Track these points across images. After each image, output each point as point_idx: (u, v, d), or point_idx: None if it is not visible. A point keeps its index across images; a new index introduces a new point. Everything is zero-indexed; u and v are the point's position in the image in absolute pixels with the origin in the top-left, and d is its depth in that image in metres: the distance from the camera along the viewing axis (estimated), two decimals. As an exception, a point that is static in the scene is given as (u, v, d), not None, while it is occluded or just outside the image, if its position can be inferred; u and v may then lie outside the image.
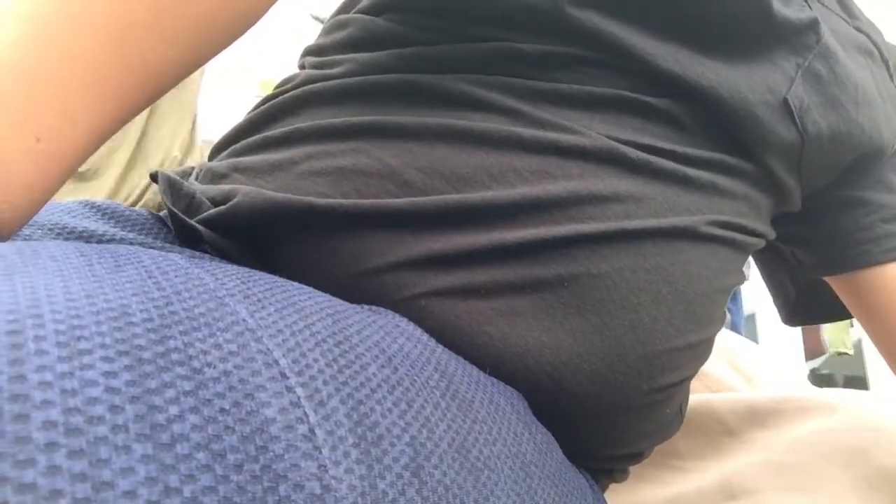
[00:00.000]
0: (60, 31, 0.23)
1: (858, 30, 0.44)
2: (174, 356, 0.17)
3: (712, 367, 0.63)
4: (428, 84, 0.33)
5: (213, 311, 0.19)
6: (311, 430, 0.18)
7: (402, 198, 0.30)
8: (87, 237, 0.29)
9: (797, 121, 0.37)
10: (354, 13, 0.38)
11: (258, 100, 0.39)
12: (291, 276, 0.26)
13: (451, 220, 0.30)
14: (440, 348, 0.28)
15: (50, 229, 0.29)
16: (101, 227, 0.30)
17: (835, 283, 0.52)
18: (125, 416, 0.15)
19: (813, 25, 0.38)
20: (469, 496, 0.22)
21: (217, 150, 0.39)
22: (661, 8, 0.33)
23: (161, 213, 0.35)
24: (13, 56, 0.22)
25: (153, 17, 0.24)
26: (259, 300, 0.21)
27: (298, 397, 0.18)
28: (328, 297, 0.25)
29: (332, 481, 0.18)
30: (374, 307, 0.29)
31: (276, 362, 0.19)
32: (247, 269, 0.24)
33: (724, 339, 0.68)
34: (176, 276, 0.20)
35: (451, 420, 0.23)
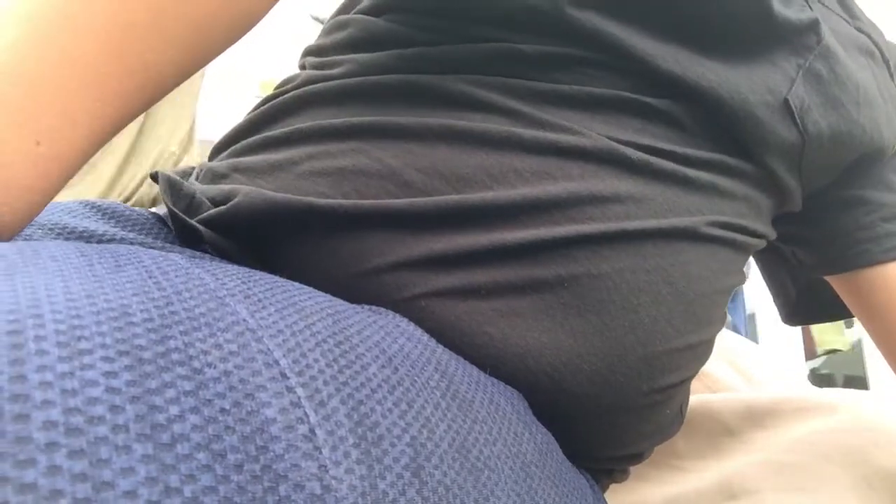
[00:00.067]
0: (60, 32, 0.23)
1: (859, 30, 0.44)
2: (174, 356, 0.17)
3: (712, 367, 0.63)
4: (428, 84, 0.33)
5: (214, 311, 0.19)
6: (312, 431, 0.18)
7: (402, 198, 0.30)
8: (87, 237, 0.29)
9: (798, 121, 0.37)
10: (354, 14, 0.38)
11: (258, 100, 0.39)
12: (291, 277, 0.26)
13: (452, 220, 0.30)
14: (440, 348, 0.28)
15: (50, 229, 0.29)
16: (101, 226, 0.30)
17: (835, 282, 0.52)
18: (125, 416, 0.15)
19: (814, 26, 0.38)
20: (469, 496, 0.22)
21: (217, 151, 0.39)
22: (661, 9, 0.33)
23: (161, 213, 0.35)
24: (13, 57, 0.22)
25: (153, 18, 0.24)
26: (259, 300, 0.21)
27: (299, 397, 0.18)
28: (328, 297, 0.25)
29: (333, 481, 0.18)
30: (374, 307, 0.29)
31: (277, 362, 0.19)
32: (247, 269, 0.24)
33: (724, 339, 0.68)
34: (176, 276, 0.20)
35: (452, 420, 0.23)
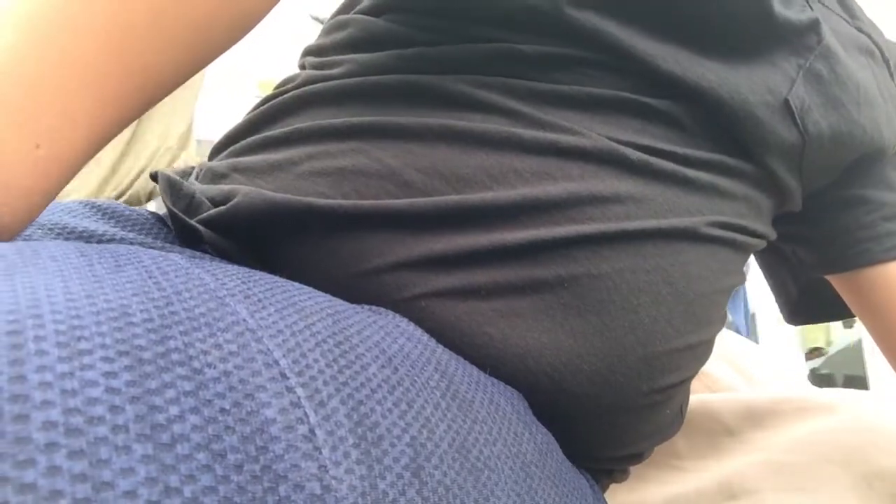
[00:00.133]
0: (60, 33, 0.23)
1: (859, 30, 0.44)
2: (174, 356, 0.17)
3: (712, 367, 0.63)
4: (428, 85, 0.33)
5: (214, 311, 0.19)
6: (312, 431, 0.18)
7: (402, 198, 0.30)
8: (87, 237, 0.29)
9: (798, 121, 0.37)
10: (354, 14, 0.38)
11: (257, 100, 0.39)
12: (291, 277, 0.26)
13: (452, 220, 0.30)
14: (440, 348, 0.28)
15: (50, 229, 0.29)
16: (101, 226, 0.30)
17: (836, 281, 0.52)
18: (125, 416, 0.15)
19: (814, 26, 0.38)
20: (469, 496, 0.22)
21: (217, 150, 0.39)
22: (661, 9, 0.33)
23: (161, 213, 0.35)
24: (12, 59, 0.22)
25: (153, 19, 0.24)
26: (259, 300, 0.21)
27: (299, 398, 0.18)
28: (328, 297, 0.25)
29: (333, 482, 0.18)
30: (374, 307, 0.29)
31: (277, 362, 0.19)
32: (247, 270, 0.24)
33: (724, 339, 0.68)
34: (176, 277, 0.20)
35: (452, 420, 0.23)
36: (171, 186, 0.34)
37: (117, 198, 1.44)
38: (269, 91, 0.39)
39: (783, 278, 0.57)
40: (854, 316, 0.53)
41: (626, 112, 0.33)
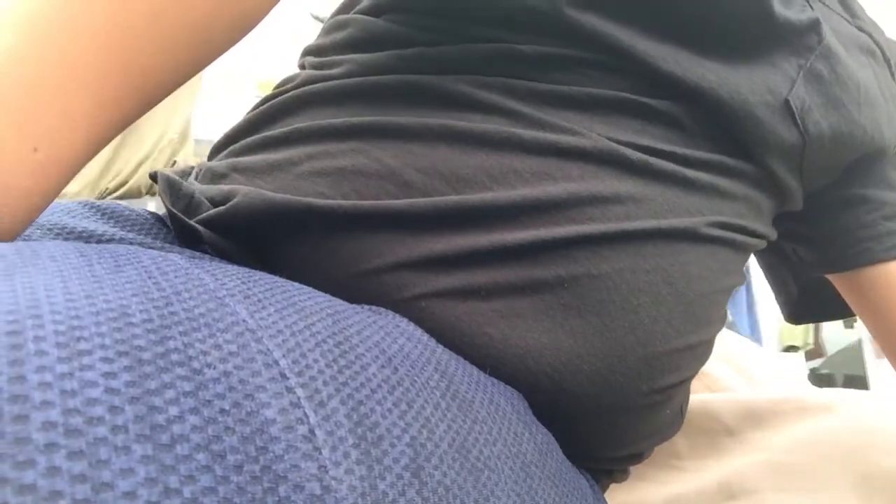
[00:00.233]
0: (59, 34, 0.22)
1: (860, 29, 0.44)
2: (174, 357, 0.17)
3: (712, 367, 0.63)
4: (428, 85, 0.33)
5: (213, 311, 0.19)
6: (312, 431, 0.18)
7: (401, 199, 0.30)
8: (86, 237, 0.29)
9: (798, 122, 0.37)
10: (354, 14, 0.38)
11: (257, 100, 0.39)
12: (291, 277, 0.26)
13: (451, 221, 0.30)
14: (440, 348, 0.28)
15: (49, 229, 0.29)
16: (100, 227, 0.30)
17: (837, 280, 0.52)
18: (125, 416, 0.15)
19: (814, 26, 0.38)
20: (469, 496, 0.22)
21: (216, 150, 0.39)
22: (660, 9, 0.33)
23: (161, 213, 0.35)
24: (11, 60, 0.22)
25: (152, 20, 0.24)
26: (259, 300, 0.21)
27: (298, 398, 0.18)
28: (328, 297, 0.25)
29: (333, 482, 0.17)
30: (374, 307, 0.29)
31: (277, 363, 0.19)
32: (247, 270, 0.24)
33: (724, 339, 0.68)
34: (176, 277, 0.20)
35: (452, 420, 0.23)
36: (171, 186, 0.34)
37: (118, 187, 1.45)
38: (268, 91, 0.39)
39: (784, 277, 0.57)
40: (854, 315, 0.53)
41: (626, 112, 0.33)
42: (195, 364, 0.17)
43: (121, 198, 1.49)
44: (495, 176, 0.30)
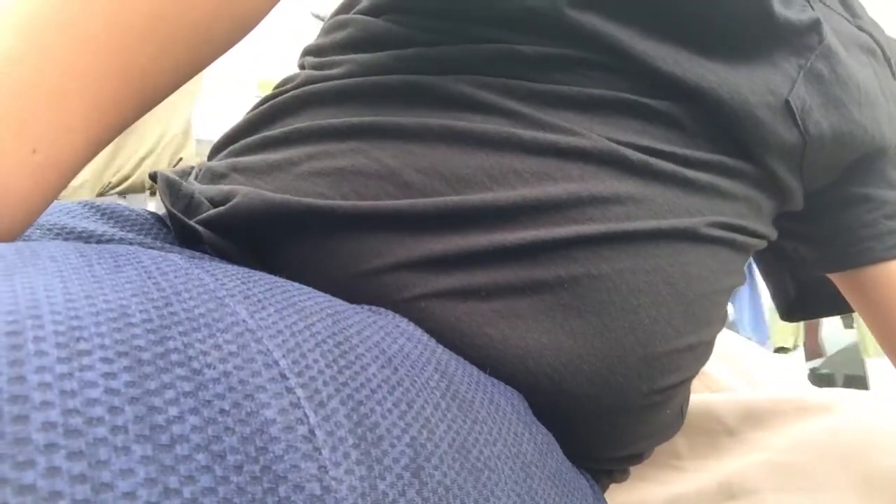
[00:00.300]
0: (57, 36, 0.22)
1: (861, 28, 0.44)
2: (174, 357, 0.17)
3: (712, 367, 0.63)
4: (428, 85, 0.33)
5: (213, 311, 0.19)
6: (311, 431, 0.18)
7: (401, 199, 0.30)
8: (86, 237, 0.29)
9: (799, 122, 0.37)
10: (354, 14, 0.38)
11: (257, 100, 0.39)
12: (291, 277, 0.26)
13: (451, 221, 0.30)
14: (440, 348, 0.28)
15: (49, 229, 0.29)
16: (100, 227, 0.30)
17: (838, 279, 0.52)
18: (124, 417, 0.15)
19: (815, 26, 0.38)
20: (469, 497, 0.22)
21: (216, 150, 0.39)
22: (660, 10, 0.33)
23: (161, 213, 0.35)
24: (9, 62, 0.22)
25: (151, 22, 0.24)
26: (259, 301, 0.21)
27: (298, 398, 0.18)
28: (328, 297, 0.25)
29: (332, 482, 0.17)
30: (374, 308, 0.29)
31: (276, 363, 0.19)
32: (247, 270, 0.24)
33: (724, 339, 0.68)
34: (175, 277, 0.20)
35: (452, 420, 0.23)
36: (170, 186, 0.34)
37: (120, 182, 1.45)
38: (268, 91, 0.39)
39: (782, 276, 0.57)
40: (853, 311, 0.53)
41: (626, 113, 0.33)
42: (195, 364, 0.17)
43: (124, 192, 1.49)
44: (495, 176, 0.30)
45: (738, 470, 0.49)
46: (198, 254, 0.29)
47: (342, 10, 0.40)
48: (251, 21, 0.28)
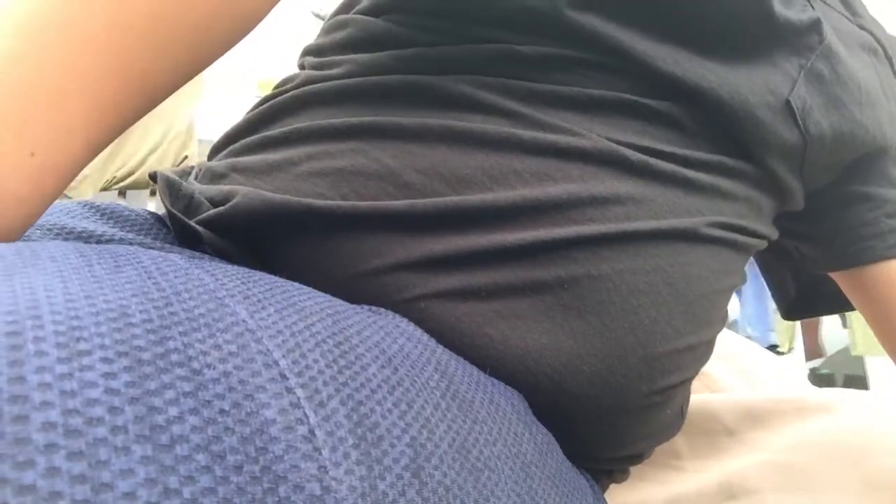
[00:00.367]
0: (56, 37, 0.22)
1: (861, 27, 0.44)
2: (174, 357, 0.17)
3: (712, 367, 0.63)
4: (428, 85, 0.33)
5: (213, 311, 0.19)
6: (311, 432, 0.18)
7: (401, 199, 0.30)
8: (86, 238, 0.29)
9: (799, 122, 0.37)
10: (354, 14, 0.38)
11: (257, 100, 0.39)
12: (291, 277, 0.26)
13: (451, 221, 0.30)
14: (440, 348, 0.28)
15: (49, 230, 0.29)
16: (100, 227, 0.30)
17: (839, 277, 0.52)
18: (124, 417, 0.15)
19: (815, 26, 0.38)
20: (469, 497, 0.22)
21: (216, 150, 0.39)
22: (660, 10, 0.33)
23: (161, 213, 0.35)
24: (8, 63, 0.22)
25: (151, 22, 0.24)
26: (259, 301, 0.21)
27: (298, 398, 0.18)
28: (328, 297, 0.25)
29: (332, 482, 0.17)
30: (374, 308, 0.29)
31: (276, 363, 0.19)
32: (246, 270, 0.24)
33: (724, 339, 0.68)
34: (175, 277, 0.20)
35: (452, 420, 0.23)
36: (170, 187, 0.34)
37: (125, 177, 1.45)
38: (268, 91, 0.39)
39: (782, 275, 0.57)
40: (853, 309, 0.53)
41: (627, 113, 0.33)
42: (195, 364, 0.17)
43: (129, 187, 1.49)
44: (495, 176, 0.30)
45: (738, 470, 0.49)
46: (198, 254, 0.29)
47: (342, 10, 0.40)
48: (251, 21, 0.28)
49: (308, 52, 0.40)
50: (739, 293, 2.60)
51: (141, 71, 0.24)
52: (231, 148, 0.37)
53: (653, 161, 0.32)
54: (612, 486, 0.41)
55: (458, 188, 0.30)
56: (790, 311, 0.59)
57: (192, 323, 0.18)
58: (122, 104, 0.24)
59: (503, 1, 0.33)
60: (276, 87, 0.39)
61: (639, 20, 0.33)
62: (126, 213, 0.33)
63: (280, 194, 0.30)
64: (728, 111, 0.34)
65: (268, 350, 0.19)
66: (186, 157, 1.56)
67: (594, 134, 0.32)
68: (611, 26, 0.32)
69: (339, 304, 0.25)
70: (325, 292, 0.26)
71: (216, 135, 0.40)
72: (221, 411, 0.17)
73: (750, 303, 2.62)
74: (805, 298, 0.57)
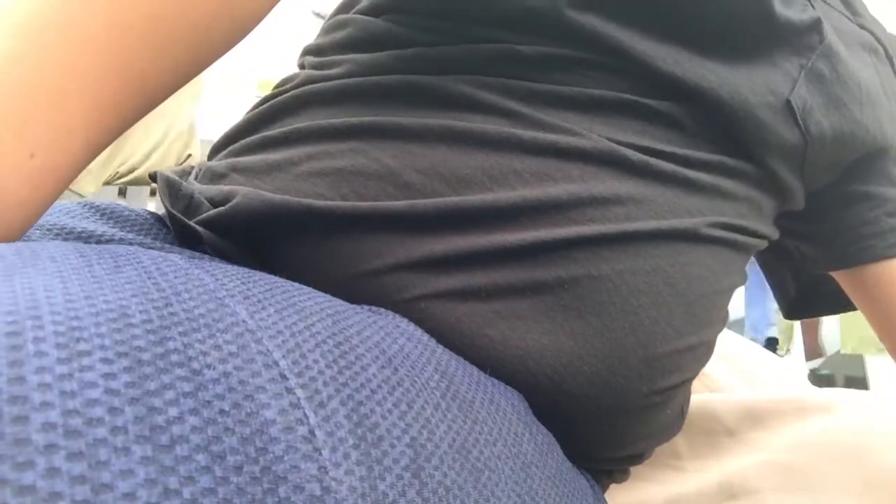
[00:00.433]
0: (56, 38, 0.22)
1: (862, 26, 0.44)
2: (174, 357, 0.17)
3: (712, 367, 0.63)
4: (428, 85, 0.33)
5: (213, 311, 0.19)
6: (311, 432, 0.18)
7: (401, 200, 0.30)
8: (86, 238, 0.29)
9: (800, 122, 0.37)
10: (353, 14, 0.38)
11: (257, 100, 0.39)
12: (291, 277, 0.26)
13: (451, 222, 0.30)
14: (440, 348, 0.28)
15: (49, 230, 0.29)
16: (100, 227, 0.30)
17: (840, 277, 0.52)
18: (124, 417, 0.15)
19: (816, 25, 0.38)
20: (470, 497, 0.22)
21: (216, 150, 0.39)
22: (660, 10, 0.33)
23: (161, 213, 0.35)
24: (7, 63, 0.22)
25: (151, 24, 0.24)
26: (259, 301, 0.21)
27: (298, 399, 0.18)
28: (328, 297, 0.25)
29: (332, 483, 0.17)
30: (374, 308, 0.29)
31: (276, 363, 0.19)
32: (246, 270, 0.24)
33: (725, 340, 0.68)
34: (175, 277, 0.20)
35: (452, 421, 0.23)
36: (170, 187, 0.34)
37: (128, 173, 1.45)
38: (268, 90, 0.39)
39: (782, 275, 0.57)
40: (855, 308, 0.53)
41: (627, 113, 0.33)
42: (195, 365, 0.17)
43: (132, 183, 1.49)
44: (495, 177, 0.30)
45: (738, 470, 0.49)
46: (198, 254, 0.29)
47: (342, 9, 0.40)
48: (251, 21, 0.28)
49: (308, 51, 0.40)
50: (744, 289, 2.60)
51: (141, 71, 0.24)
52: (231, 148, 0.37)
53: (653, 161, 0.32)
54: (613, 486, 0.41)
55: (459, 188, 0.30)
56: (791, 310, 0.59)
57: (192, 323, 0.18)
58: (122, 104, 0.24)
59: (503, 1, 0.32)
60: (276, 86, 0.39)
61: (639, 20, 0.33)
62: (126, 213, 0.33)
63: (280, 194, 0.30)
64: (728, 111, 0.34)
65: (268, 350, 0.19)
66: (190, 156, 1.56)
67: (594, 134, 0.32)
68: (611, 26, 0.32)
69: (339, 305, 0.25)
70: (325, 292, 0.26)
71: (216, 135, 0.40)
72: (221, 412, 0.17)
73: (755, 302, 2.62)
74: (805, 298, 0.57)
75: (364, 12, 0.37)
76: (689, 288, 0.32)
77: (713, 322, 0.36)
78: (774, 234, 0.42)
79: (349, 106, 0.34)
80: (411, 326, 0.28)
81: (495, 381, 0.29)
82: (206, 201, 0.32)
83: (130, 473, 0.14)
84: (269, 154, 0.33)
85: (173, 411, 0.16)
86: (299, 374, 0.19)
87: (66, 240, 0.28)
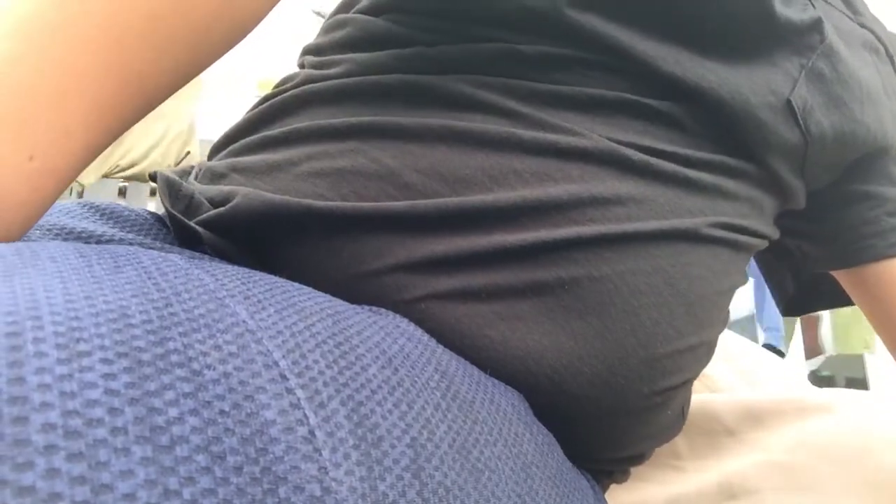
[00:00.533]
0: (54, 39, 0.22)
1: (863, 26, 0.44)
2: (174, 358, 0.17)
3: (713, 367, 0.63)
4: (428, 85, 0.32)
5: (213, 312, 0.19)
6: (312, 432, 0.18)
7: (401, 200, 0.30)
8: (86, 238, 0.29)
9: (801, 122, 0.37)
10: (353, 13, 0.38)
11: (257, 100, 0.39)
12: (291, 277, 0.26)
13: (451, 222, 0.30)
14: (441, 349, 0.28)
15: (48, 230, 0.29)
16: (100, 227, 0.30)
17: (840, 276, 0.52)
18: (124, 418, 0.15)
19: (816, 25, 0.38)
20: (470, 497, 0.22)
21: (216, 150, 0.39)
22: (661, 10, 0.33)
23: (161, 213, 0.35)
24: (6, 65, 0.21)
25: (150, 24, 0.24)
26: (259, 301, 0.21)
27: (298, 399, 0.18)
28: (328, 297, 0.25)
29: (333, 483, 0.17)
30: (374, 308, 0.29)
31: (277, 364, 0.19)
32: (247, 270, 0.24)
33: (725, 340, 0.67)
34: (175, 277, 0.20)
35: (452, 421, 0.23)
36: (170, 187, 0.33)
37: (128, 167, 1.45)
38: (268, 90, 0.39)
39: (782, 274, 0.57)
40: (852, 304, 0.54)
41: (627, 113, 0.33)
42: (195, 365, 0.17)
43: (132, 178, 1.49)
44: (495, 177, 0.30)
45: (738, 470, 0.49)
46: (198, 254, 0.29)
47: (342, 9, 0.40)
48: (251, 22, 0.28)
49: (308, 51, 0.40)
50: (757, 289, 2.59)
51: (140, 71, 0.24)
52: (231, 148, 0.36)
53: (654, 161, 0.32)
54: (613, 487, 0.41)
55: (459, 188, 0.30)
56: (788, 307, 0.59)
57: (192, 323, 0.18)
58: (121, 105, 0.24)
59: (503, 1, 0.32)
60: (276, 86, 0.39)
61: (639, 20, 0.33)
62: (126, 213, 0.32)
63: (280, 195, 0.30)
64: (729, 111, 0.34)
65: (268, 351, 0.19)
66: (189, 154, 1.56)
67: (595, 134, 0.32)
68: (611, 26, 0.32)
69: (340, 305, 0.25)
70: (326, 293, 0.26)
71: (216, 135, 0.40)
72: (221, 412, 0.17)
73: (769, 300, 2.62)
74: (803, 296, 0.57)
75: (364, 12, 0.37)
76: (690, 288, 0.32)
77: (714, 322, 0.36)
78: (775, 233, 0.42)
79: (349, 105, 0.33)
80: (411, 327, 0.28)
81: (495, 381, 0.29)
82: (206, 201, 0.32)
83: (130, 474, 0.14)
84: (269, 154, 0.33)
85: (173, 412, 0.16)
86: (299, 375, 0.19)
87: (66, 240, 0.28)
